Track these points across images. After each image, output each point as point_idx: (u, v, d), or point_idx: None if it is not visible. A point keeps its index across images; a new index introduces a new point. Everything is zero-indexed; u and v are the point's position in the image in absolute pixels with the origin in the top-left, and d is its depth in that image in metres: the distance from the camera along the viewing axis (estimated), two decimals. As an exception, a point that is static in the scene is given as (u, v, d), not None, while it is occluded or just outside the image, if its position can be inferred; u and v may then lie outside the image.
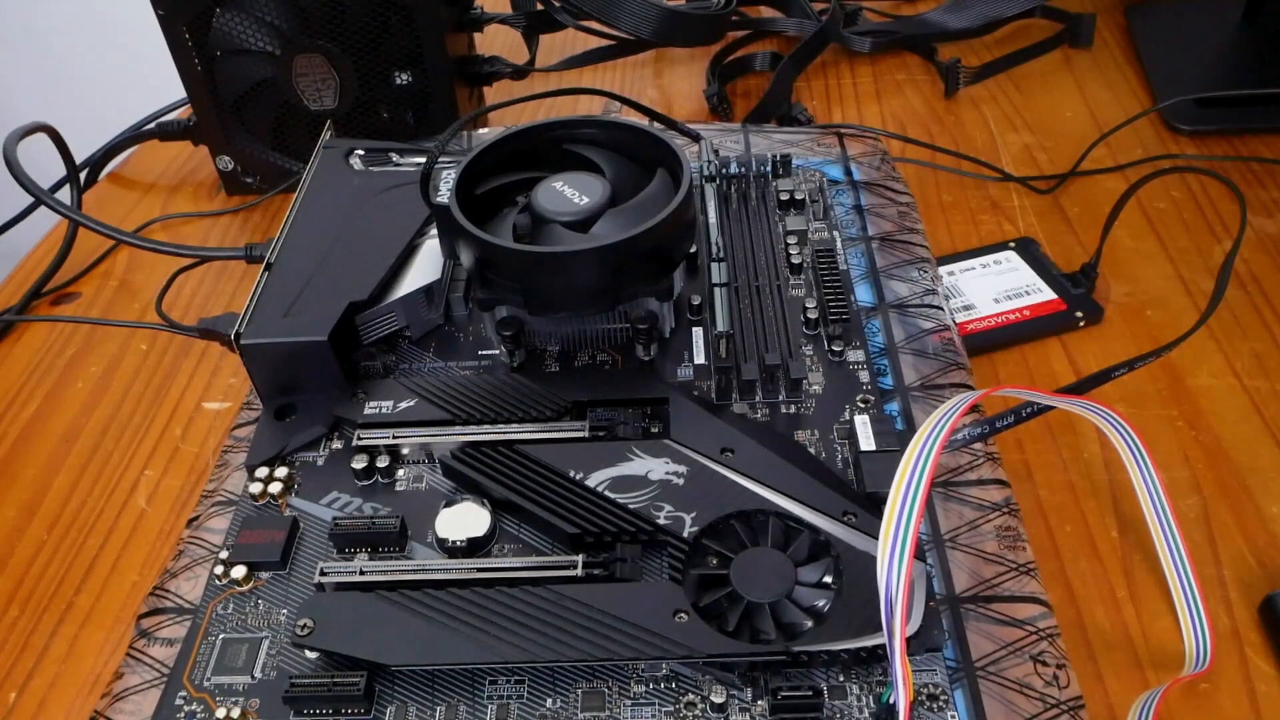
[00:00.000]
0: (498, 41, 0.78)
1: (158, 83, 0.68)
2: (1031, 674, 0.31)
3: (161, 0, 0.57)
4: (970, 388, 0.40)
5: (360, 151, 0.50)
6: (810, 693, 0.30)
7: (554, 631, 0.31)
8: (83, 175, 0.66)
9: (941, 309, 0.44)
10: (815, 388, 0.40)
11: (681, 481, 0.35)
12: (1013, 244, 0.55)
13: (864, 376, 0.40)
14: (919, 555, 0.33)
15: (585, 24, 0.66)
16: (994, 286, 0.52)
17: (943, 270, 0.53)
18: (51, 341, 0.56)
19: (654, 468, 0.35)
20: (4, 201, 0.64)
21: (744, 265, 0.45)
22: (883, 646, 0.30)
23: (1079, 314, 0.50)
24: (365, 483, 0.38)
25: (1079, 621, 0.38)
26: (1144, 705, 0.33)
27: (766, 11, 0.79)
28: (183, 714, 0.31)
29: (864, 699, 0.30)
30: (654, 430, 0.38)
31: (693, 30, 0.67)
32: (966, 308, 0.51)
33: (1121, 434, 0.36)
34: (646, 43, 0.70)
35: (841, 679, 0.31)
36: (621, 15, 0.64)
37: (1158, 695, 0.33)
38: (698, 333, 0.43)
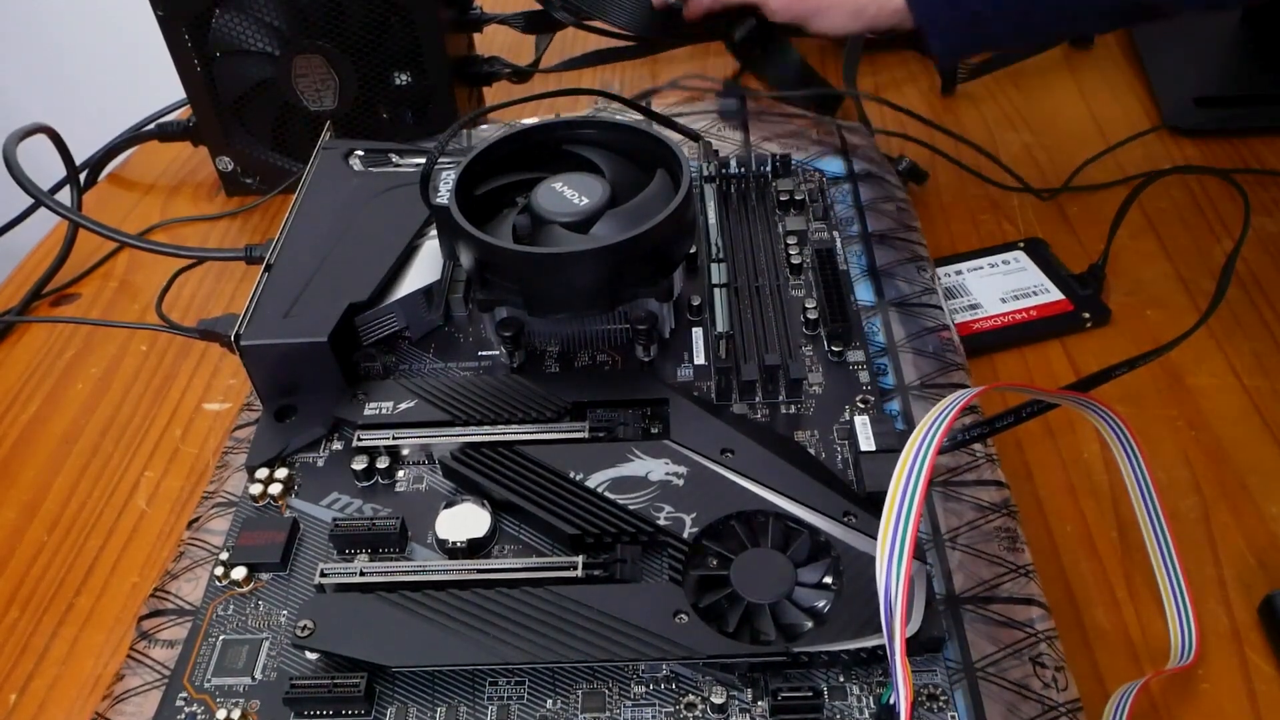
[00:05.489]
0: (497, 41, 0.78)
1: (158, 83, 0.68)
2: (1030, 675, 0.31)
3: (161, 1, 0.57)
4: (969, 387, 0.40)
5: (360, 152, 0.50)
6: (810, 693, 0.30)
7: (554, 632, 0.31)
8: (83, 176, 0.65)
9: (940, 308, 0.44)
10: (815, 388, 0.40)
11: (681, 482, 0.35)
12: (1022, 244, 0.55)
13: (864, 376, 0.40)
14: (919, 555, 0.33)
15: (584, 23, 0.66)
16: (1001, 286, 0.52)
17: (950, 269, 0.53)
18: (52, 342, 0.56)
19: (654, 468, 0.35)
20: (4, 202, 0.64)
21: (744, 266, 0.45)
22: (883, 647, 0.30)
23: (1086, 315, 0.50)
24: (365, 484, 0.38)
25: (1078, 622, 0.38)
26: (1122, 696, 0.33)
27: None
28: (183, 715, 0.31)
29: (864, 700, 0.30)
30: (654, 431, 0.38)
31: (693, 29, 0.67)
32: (973, 307, 0.51)
33: (1115, 430, 0.36)
34: (647, 45, 0.70)
35: (841, 680, 0.31)
36: (620, 13, 0.64)
37: (1136, 687, 0.33)
38: (697, 333, 0.43)
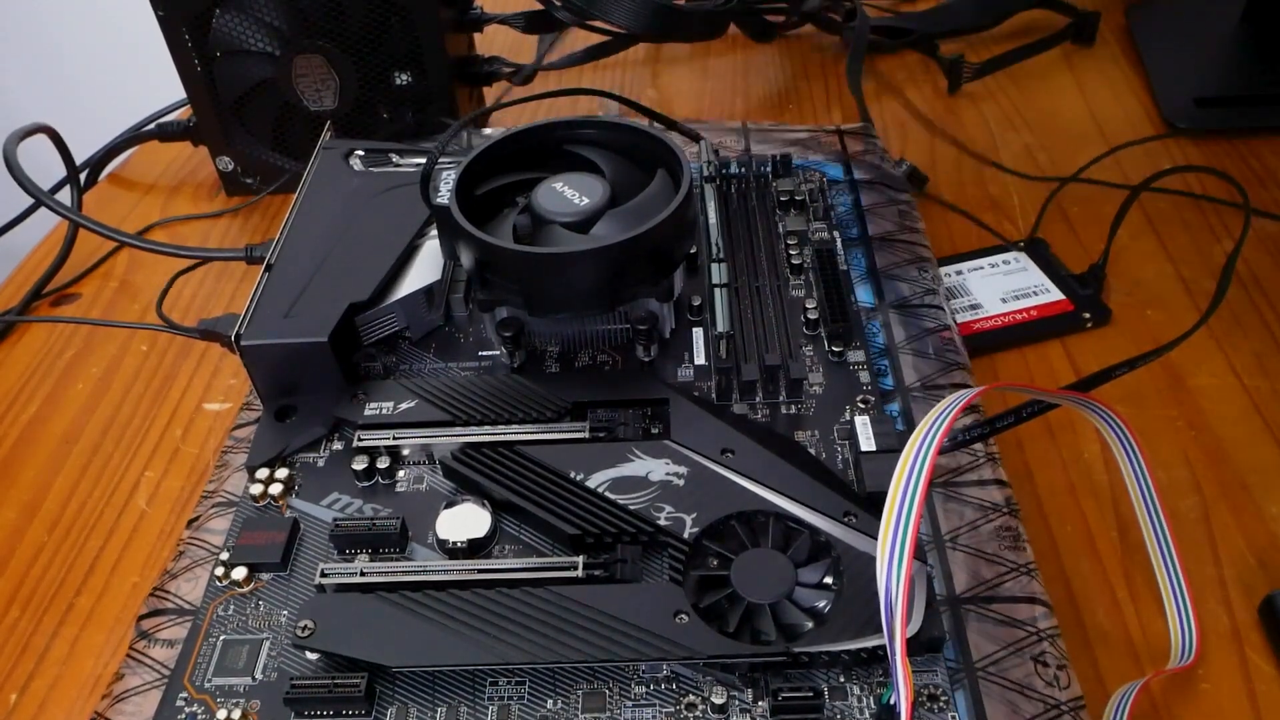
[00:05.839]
0: (498, 41, 0.78)
1: (158, 83, 0.68)
2: (1032, 674, 0.31)
3: (161, 1, 0.57)
4: (970, 387, 0.40)
5: (360, 152, 0.50)
6: (811, 694, 0.30)
7: (555, 632, 0.31)
8: (83, 176, 0.65)
9: (942, 309, 0.44)
10: (815, 388, 0.40)
11: (682, 482, 0.35)
12: (1023, 244, 0.55)
13: (864, 377, 0.40)
14: (919, 555, 0.33)
15: (586, 23, 0.66)
16: (1002, 286, 0.52)
17: (950, 269, 0.53)
18: (52, 342, 0.56)
19: (654, 469, 0.35)
20: (4, 202, 0.64)
21: (744, 266, 0.45)
22: (883, 647, 0.30)
23: (1086, 315, 0.50)
24: (366, 484, 0.38)
25: (1079, 621, 0.38)
26: (1122, 696, 0.33)
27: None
28: (183, 715, 0.31)
29: (864, 700, 0.30)
30: (654, 431, 0.38)
31: (693, 26, 0.67)
32: (973, 307, 0.51)
33: (1115, 430, 0.36)
34: (643, 37, 0.70)
35: (842, 680, 0.31)
36: (623, 12, 0.64)
37: (1136, 687, 0.33)
38: (698, 333, 0.43)
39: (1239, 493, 0.42)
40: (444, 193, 0.40)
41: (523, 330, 0.40)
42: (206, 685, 0.32)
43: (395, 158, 0.50)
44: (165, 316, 0.52)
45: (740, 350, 0.41)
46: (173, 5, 0.57)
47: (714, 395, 0.40)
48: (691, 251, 0.44)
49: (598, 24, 0.67)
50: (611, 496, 0.35)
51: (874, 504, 0.34)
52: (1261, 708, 0.35)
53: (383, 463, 0.38)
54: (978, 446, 0.37)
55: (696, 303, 0.43)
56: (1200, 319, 0.40)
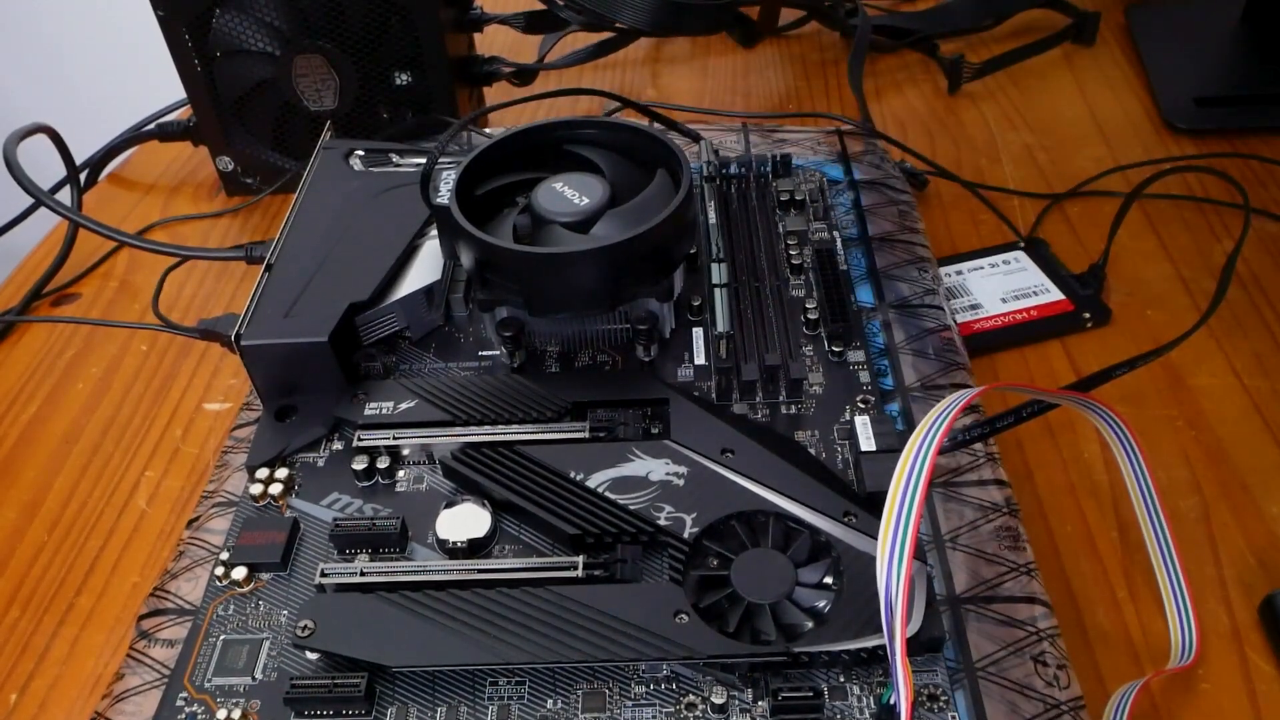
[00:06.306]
0: (498, 41, 0.78)
1: (158, 83, 0.68)
2: (1032, 674, 0.31)
3: (161, 1, 0.57)
4: (970, 387, 0.40)
5: (360, 152, 0.50)
6: (811, 694, 0.30)
7: (555, 632, 0.31)
8: (83, 176, 0.65)
9: (942, 309, 0.44)
10: (815, 388, 0.40)
11: (682, 482, 0.35)
12: (1023, 244, 0.55)
13: (864, 377, 0.40)
14: (919, 555, 0.33)
15: (589, 23, 0.66)
16: (1002, 286, 0.52)
17: (950, 269, 0.53)
18: (52, 342, 0.56)
19: (654, 468, 0.35)
20: (4, 202, 0.64)
21: (744, 266, 0.45)
22: (883, 647, 0.30)
23: (1086, 315, 0.50)
24: (366, 484, 0.38)
25: (1079, 621, 0.38)
26: (1122, 696, 0.33)
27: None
28: (183, 715, 0.31)
29: (864, 700, 0.30)
30: (654, 431, 0.38)
31: (694, 21, 0.67)
32: (973, 307, 0.51)
33: (1115, 430, 0.36)
34: (647, 33, 0.70)
35: (842, 680, 0.31)
36: (622, 8, 0.63)
37: (1137, 687, 0.33)
38: (698, 333, 0.43)
39: (1239, 493, 0.42)
40: (444, 193, 0.40)
41: (523, 330, 0.40)
42: (206, 685, 0.32)
43: (395, 158, 0.50)
44: (163, 316, 0.52)
45: (740, 350, 0.41)
46: (173, 5, 0.57)
47: (714, 395, 0.40)
48: (691, 251, 0.44)
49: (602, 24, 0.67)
50: (611, 496, 0.35)
51: (874, 504, 0.34)
52: (1261, 708, 0.35)
53: (383, 463, 0.38)
54: (978, 446, 0.38)
55: (696, 303, 0.43)
56: (1200, 319, 0.40)
